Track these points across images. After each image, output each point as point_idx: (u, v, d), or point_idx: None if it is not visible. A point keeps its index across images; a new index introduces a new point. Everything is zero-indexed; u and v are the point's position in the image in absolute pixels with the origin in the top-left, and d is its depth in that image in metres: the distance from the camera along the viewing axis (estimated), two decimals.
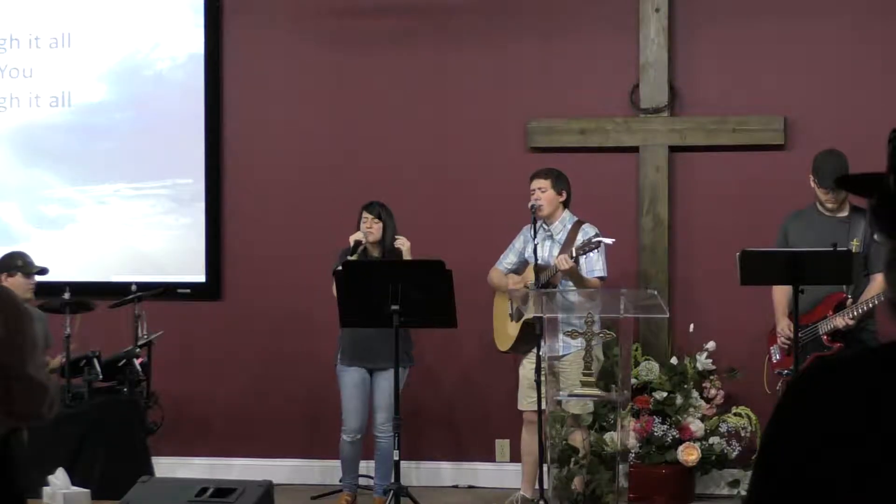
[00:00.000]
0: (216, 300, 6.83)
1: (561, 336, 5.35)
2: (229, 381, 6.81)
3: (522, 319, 5.56)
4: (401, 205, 6.61)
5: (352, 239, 5.70)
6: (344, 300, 5.10)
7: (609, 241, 5.30)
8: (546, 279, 5.49)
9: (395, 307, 4.91)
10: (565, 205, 5.74)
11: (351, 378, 5.77)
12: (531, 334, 5.44)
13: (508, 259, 5.82)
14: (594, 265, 5.56)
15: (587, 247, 5.34)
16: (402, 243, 5.73)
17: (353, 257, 5.65)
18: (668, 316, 5.53)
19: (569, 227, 5.71)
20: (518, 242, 5.80)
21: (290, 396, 6.69)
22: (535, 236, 5.46)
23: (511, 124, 6.59)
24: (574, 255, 5.34)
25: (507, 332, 5.76)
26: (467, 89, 6.66)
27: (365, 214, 5.81)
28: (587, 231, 5.62)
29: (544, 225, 5.68)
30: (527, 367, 5.66)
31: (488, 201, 6.55)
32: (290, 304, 6.70)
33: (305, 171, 6.78)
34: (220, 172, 6.85)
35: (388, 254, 5.78)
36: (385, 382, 5.72)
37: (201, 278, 6.84)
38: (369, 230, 5.76)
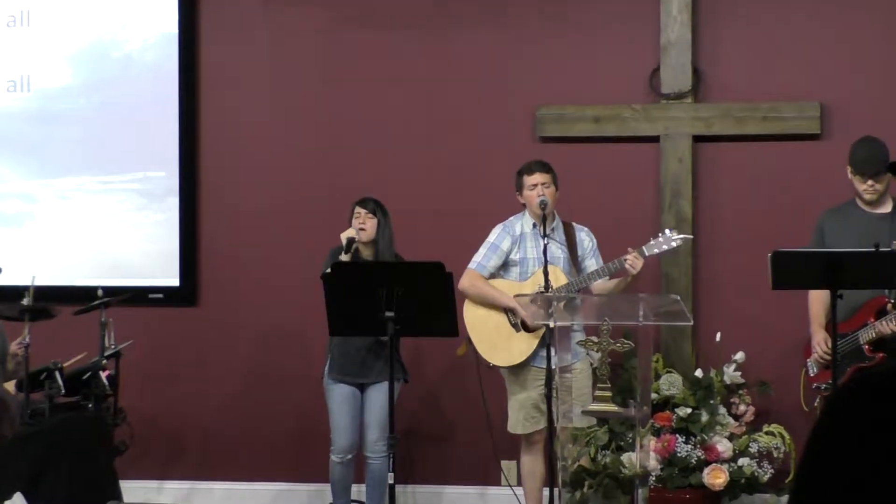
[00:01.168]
0: (192, 306, 6.83)
1: (573, 345, 5.33)
2: (207, 396, 6.80)
3: (543, 329, 5.46)
4: (396, 201, 6.59)
5: (343, 236, 5.69)
6: (333, 306, 5.08)
7: (689, 238, 5.53)
8: (588, 283, 5.52)
9: (389, 314, 4.89)
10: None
11: (340, 393, 5.77)
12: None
13: (492, 262, 5.75)
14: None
15: (665, 244, 5.49)
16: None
17: (346, 257, 5.64)
18: (691, 323, 5.52)
19: (561, 225, 5.74)
20: (504, 243, 5.74)
21: (275, 413, 6.68)
22: (545, 235, 5.44)
23: (518, 112, 6.57)
24: (646, 253, 5.46)
25: (508, 345, 5.72)
26: (469, 73, 6.66)
27: (357, 209, 5.80)
28: (590, 232, 5.66)
29: (537, 222, 5.68)
30: (531, 385, 5.65)
31: (492, 197, 6.53)
32: (274, 310, 6.70)
33: (292, 164, 6.78)
34: (196, 165, 6.84)
35: (383, 256, 5.77)
36: (378, 396, 5.72)
37: (175, 282, 6.84)
38: (362, 227, 5.75)
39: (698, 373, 6.27)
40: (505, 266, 5.74)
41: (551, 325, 5.23)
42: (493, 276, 5.78)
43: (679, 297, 5.16)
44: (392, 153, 6.70)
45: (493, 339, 5.75)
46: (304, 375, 6.43)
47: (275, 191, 6.77)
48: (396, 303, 4.90)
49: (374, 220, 5.78)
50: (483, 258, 5.75)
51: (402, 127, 6.70)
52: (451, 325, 5.01)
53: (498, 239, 5.75)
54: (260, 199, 6.80)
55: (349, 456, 5.81)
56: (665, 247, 5.56)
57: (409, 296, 4.91)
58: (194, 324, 6.82)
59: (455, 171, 6.65)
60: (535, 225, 5.70)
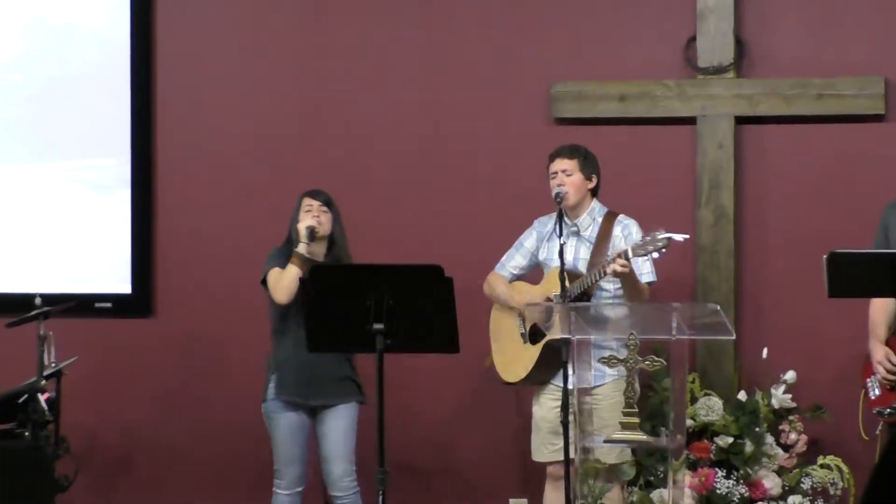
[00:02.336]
0: (146, 317, 6.82)
1: (594, 363, 5.33)
2: (165, 421, 6.79)
3: (543, 342, 5.54)
4: (388, 195, 6.58)
5: (302, 226, 5.71)
6: (312, 316, 5.07)
7: (681, 237, 5.26)
8: (580, 289, 5.48)
9: (378, 326, 4.88)
10: (594, 193, 5.73)
11: (288, 420, 5.75)
12: (553, 360, 5.42)
13: (514, 261, 5.81)
14: (640, 267, 5.55)
15: (651, 245, 5.26)
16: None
17: (304, 248, 5.66)
18: (734, 337, 5.50)
19: (599, 220, 5.68)
20: (529, 240, 5.78)
21: (243, 438, 6.68)
22: (560, 233, 5.43)
23: (530, 89, 6.57)
24: (631, 254, 5.32)
25: (517, 358, 5.74)
26: (471, 44, 6.65)
27: (308, 201, 5.81)
28: (629, 227, 5.59)
29: (567, 218, 5.66)
30: (547, 405, 5.64)
31: (499, 189, 6.52)
32: (242, 322, 6.68)
33: (265, 152, 6.77)
34: (150, 151, 6.83)
35: (340, 257, 5.79)
36: (339, 424, 5.74)
37: (126, 289, 6.84)
38: (317, 219, 5.77)
39: (741, 395, 6.25)
40: (538, 268, 5.77)
41: (550, 337, 5.25)
42: (521, 278, 5.80)
43: (719, 307, 5.14)
44: (382, 141, 6.69)
45: (504, 350, 5.80)
46: None
47: (244, 183, 6.76)
48: (387, 313, 4.89)
49: (329, 215, 5.80)
50: (506, 257, 5.84)
51: (394, 110, 6.69)
52: (451, 339, 4.99)
53: (524, 236, 5.80)
54: (227, 192, 6.78)
55: (299, 489, 5.81)
56: (651, 248, 5.26)
57: (403, 304, 4.89)
58: (149, 337, 6.81)
59: (455, 161, 6.64)
60: (566, 222, 5.67)
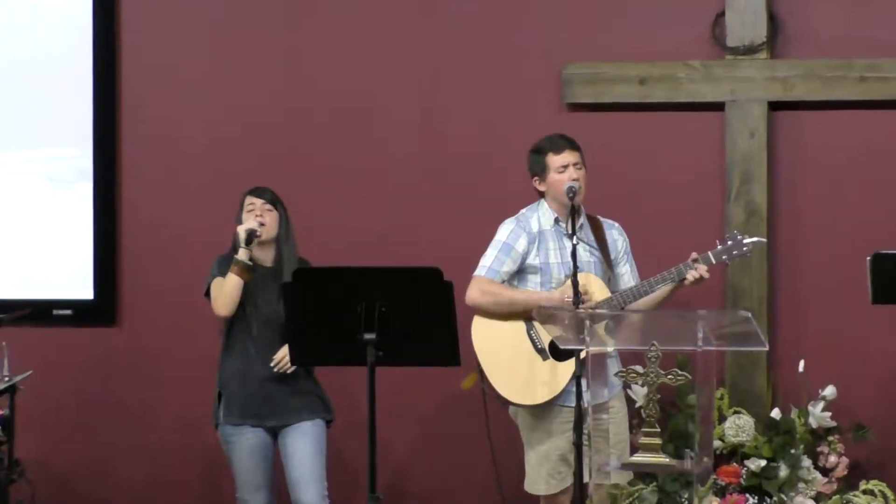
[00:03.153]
0: (109, 325, 6.84)
1: (612, 378, 5.33)
2: (131, 441, 6.80)
3: (575, 357, 5.42)
4: (381, 192, 6.58)
5: (242, 229, 5.69)
6: (295, 327, 5.07)
7: (763, 241, 5.77)
8: (634, 297, 5.59)
9: (369, 336, 4.89)
10: None
11: (247, 443, 5.75)
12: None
13: (506, 266, 5.73)
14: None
15: (736, 250, 5.63)
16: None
17: (244, 253, 5.65)
18: (766, 348, 5.50)
19: (586, 221, 5.76)
20: (518, 243, 5.71)
21: (215, 460, 6.65)
22: (573, 232, 5.43)
23: (539, 71, 6.57)
24: (713, 260, 5.61)
25: (537, 377, 5.68)
26: (474, 22, 6.65)
27: (250, 199, 5.80)
28: (618, 227, 5.68)
29: (559, 217, 5.68)
30: (560, 430, 5.62)
31: (504, 183, 6.51)
32: (214, 332, 6.66)
33: (241, 145, 6.78)
34: (115, 142, 6.84)
35: (286, 262, 5.78)
36: (304, 443, 5.75)
37: (88, 294, 6.85)
38: (260, 219, 5.75)
39: (775, 413, 6.26)
40: (520, 274, 5.73)
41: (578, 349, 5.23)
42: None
43: (750, 314, 5.13)
44: (374, 132, 6.69)
45: (512, 367, 5.72)
46: None
47: (220, 178, 6.76)
48: (379, 321, 4.90)
49: (275, 214, 5.80)
50: (494, 261, 5.72)
51: (388, 97, 6.69)
52: (451, 351, 4.98)
53: (511, 237, 5.73)
54: (201, 188, 6.80)
55: None
56: (735, 253, 5.64)
57: (397, 312, 4.90)
58: (113, 349, 6.82)
59: (456, 153, 6.65)
60: (556, 220, 5.69)
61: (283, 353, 5.67)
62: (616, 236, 5.76)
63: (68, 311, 6.81)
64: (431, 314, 4.93)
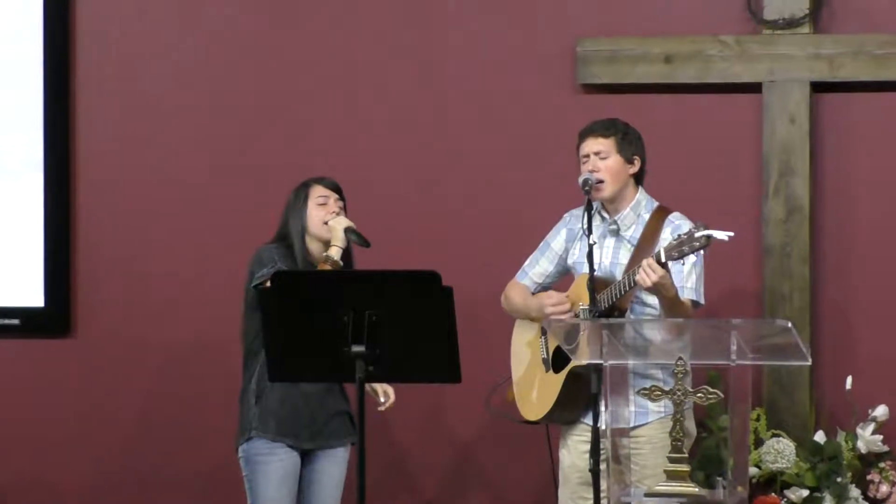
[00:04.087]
0: (63, 336, 6.84)
1: (633, 397, 5.33)
2: (85, 461, 6.81)
3: (567, 369, 5.53)
4: (372, 185, 6.57)
5: (339, 225, 5.69)
6: (273, 337, 5.07)
7: (724, 235, 5.21)
8: (610, 302, 5.48)
9: (357, 348, 4.89)
10: (638, 180, 5.72)
11: (280, 466, 5.75)
12: (581, 393, 5.42)
13: (539, 267, 5.80)
14: (684, 280, 5.54)
15: (687, 245, 5.23)
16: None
17: (338, 255, 5.67)
18: (809, 363, 5.49)
19: (646, 216, 5.65)
20: (556, 240, 5.77)
21: (179, 484, 6.72)
22: (590, 231, 5.43)
23: (551, 48, 6.57)
24: (663, 258, 5.28)
25: (537, 390, 5.74)
26: None
27: (323, 191, 5.82)
28: (682, 228, 5.55)
29: (604, 212, 5.66)
30: (577, 450, 5.63)
31: (512, 175, 6.52)
32: (179, 343, 6.72)
33: (214, 130, 6.78)
34: (68, 128, 6.84)
35: (346, 254, 5.79)
36: (335, 470, 5.78)
37: (38, 302, 6.85)
38: (338, 213, 5.78)
39: (819, 436, 6.26)
40: (567, 273, 5.76)
41: (576, 363, 5.26)
42: (548, 288, 5.78)
43: (790, 324, 5.13)
44: (365, 117, 6.69)
45: (525, 378, 5.80)
46: (222, 432, 6.39)
47: (187, 168, 6.77)
48: (370, 331, 4.90)
49: (343, 208, 5.84)
50: (529, 261, 5.82)
51: (381, 79, 6.69)
52: (450, 365, 4.99)
53: (551, 234, 5.78)
54: (165, 181, 6.80)
55: None
56: (686, 250, 5.25)
57: (389, 321, 4.90)
58: (66, 361, 6.82)
59: (458, 141, 6.65)
60: (603, 217, 5.66)
61: (392, 396, 5.83)
62: (665, 235, 5.59)
63: (16, 321, 6.81)
64: (429, 324, 4.93)
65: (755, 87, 6.43)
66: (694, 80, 6.47)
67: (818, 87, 6.43)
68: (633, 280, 5.34)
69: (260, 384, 5.74)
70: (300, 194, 5.82)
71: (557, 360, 5.62)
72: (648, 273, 5.27)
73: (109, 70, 6.84)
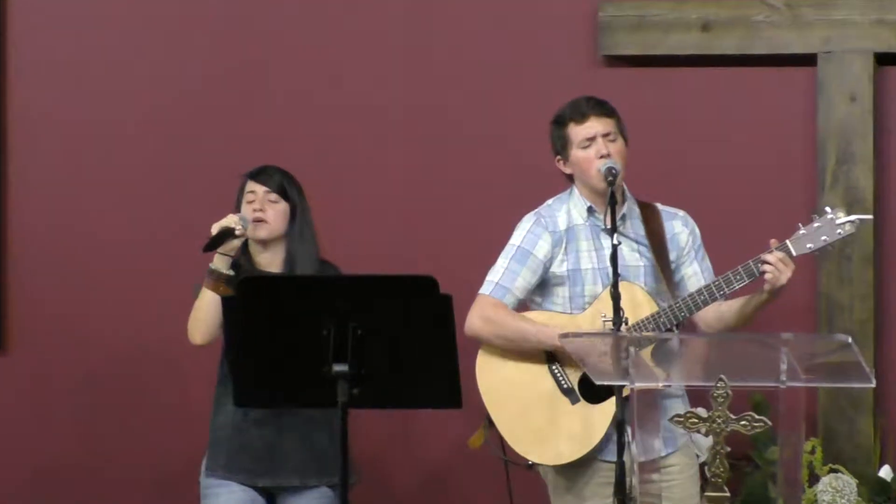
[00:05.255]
0: None
1: (663, 423, 5.34)
2: (20, 488, 6.87)
3: (623, 395, 5.38)
4: (360, 178, 6.59)
5: (216, 227, 5.70)
6: (239, 356, 5.08)
7: (868, 217, 5.50)
8: (688, 312, 5.55)
9: (340, 368, 4.89)
10: None
11: (232, 496, 5.78)
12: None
13: (522, 280, 5.73)
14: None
15: (828, 234, 5.45)
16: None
17: (221, 264, 5.68)
18: (873, 385, 5.50)
19: (636, 209, 5.74)
20: (539, 247, 5.72)
21: (127, 495, 6.78)
22: (614, 229, 5.43)
23: (568, 14, 6.60)
24: (793, 251, 5.46)
25: (561, 427, 5.69)
26: None
27: (252, 186, 5.85)
28: (682, 215, 5.61)
29: (591, 205, 5.69)
30: (600, 495, 5.64)
31: (524, 164, 6.54)
32: (129, 360, 6.77)
33: (168, 119, 6.83)
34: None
35: (300, 268, 5.81)
36: None
37: None
38: (259, 214, 5.80)
39: (885, 472, 6.28)
40: (543, 287, 5.73)
41: (625, 388, 5.21)
42: (522, 307, 5.77)
43: (850, 339, 5.14)
44: (353, 100, 6.73)
45: (528, 416, 5.74)
46: (180, 461, 6.46)
47: (138, 166, 6.84)
48: (354, 347, 4.90)
49: (282, 207, 5.83)
50: (504, 275, 5.73)
51: (373, 53, 6.73)
52: (449, 387, 4.99)
53: (528, 240, 5.73)
54: (112, 178, 6.86)
55: None
56: (826, 238, 5.46)
57: (378, 335, 4.90)
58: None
59: (461, 125, 6.68)
60: (591, 211, 5.69)
61: None
62: (678, 229, 5.70)
63: None
64: (424, 338, 4.93)
65: (809, 60, 6.46)
66: (736, 52, 6.49)
67: (883, 60, 6.45)
68: (753, 275, 5.47)
69: (214, 419, 5.82)
70: (238, 190, 5.87)
71: (587, 389, 5.58)
72: (782, 269, 5.41)
73: (44, 59, 6.92)
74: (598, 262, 5.63)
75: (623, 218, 5.67)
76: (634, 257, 5.67)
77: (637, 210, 5.73)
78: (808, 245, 5.44)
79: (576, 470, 5.69)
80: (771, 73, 6.50)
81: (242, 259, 5.80)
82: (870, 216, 5.49)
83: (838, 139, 6.43)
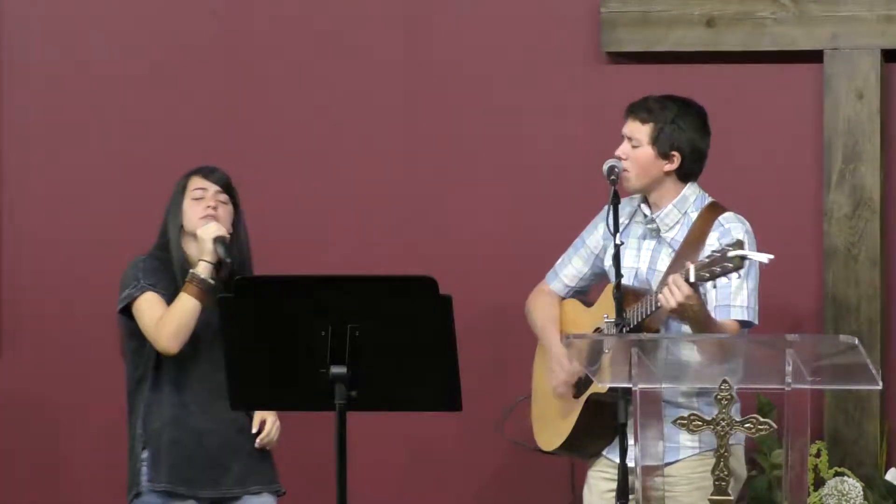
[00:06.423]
0: None
1: (667, 427, 5.33)
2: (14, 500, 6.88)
3: (587, 394, 5.54)
4: (355, 175, 6.58)
5: (206, 234, 5.70)
6: (233, 357, 5.07)
7: (763, 258, 5.21)
8: (637, 320, 5.49)
9: (337, 370, 4.89)
10: (684, 176, 5.68)
11: None
12: (604, 423, 5.47)
13: (571, 267, 5.81)
14: (732, 297, 5.56)
15: (718, 266, 5.23)
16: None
17: (205, 272, 5.69)
18: (880, 387, 5.50)
19: (692, 215, 5.66)
20: (592, 237, 5.78)
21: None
22: (616, 229, 5.43)
23: (570, 9, 6.59)
24: (692, 277, 5.28)
25: (555, 417, 5.76)
26: None
27: (200, 183, 5.84)
28: (731, 232, 5.54)
29: (645, 208, 5.66)
30: (597, 489, 5.68)
31: (525, 161, 6.53)
32: (122, 362, 6.70)
33: (159, 115, 6.82)
34: None
35: (243, 267, 5.85)
36: None
37: None
38: (212, 211, 5.79)
39: (891, 475, 6.28)
40: (606, 279, 5.74)
41: (597, 387, 5.28)
42: (582, 292, 5.82)
43: (857, 341, 5.14)
44: (347, 93, 6.72)
45: (544, 404, 5.83)
46: None
47: (131, 163, 6.82)
48: (352, 349, 4.90)
49: (230, 207, 5.84)
50: (560, 261, 5.83)
51: (368, 32, 6.71)
52: (448, 389, 4.99)
53: (587, 230, 5.80)
54: (104, 175, 6.85)
55: None
56: (718, 270, 5.24)
57: (376, 337, 4.90)
58: None
59: (460, 121, 6.66)
60: (645, 214, 5.66)
61: (270, 426, 5.79)
62: (712, 241, 5.55)
63: None
64: (423, 340, 4.94)
65: (815, 56, 6.45)
66: (741, 48, 6.48)
67: (891, 56, 6.43)
68: (656, 300, 5.36)
69: (147, 426, 5.77)
70: (178, 187, 5.86)
71: (581, 385, 5.63)
72: (673, 292, 5.26)
73: (36, 54, 6.91)
74: (639, 261, 5.63)
75: (660, 220, 5.60)
76: (666, 262, 5.62)
77: (695, 215, 5.64)
78: (704, 274, 5.24)
79: (589, 462, 5.76)
80: (777, 71, 6.50)
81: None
82: (763, 258, 5.26)
83: (845, 137, 6.42)
